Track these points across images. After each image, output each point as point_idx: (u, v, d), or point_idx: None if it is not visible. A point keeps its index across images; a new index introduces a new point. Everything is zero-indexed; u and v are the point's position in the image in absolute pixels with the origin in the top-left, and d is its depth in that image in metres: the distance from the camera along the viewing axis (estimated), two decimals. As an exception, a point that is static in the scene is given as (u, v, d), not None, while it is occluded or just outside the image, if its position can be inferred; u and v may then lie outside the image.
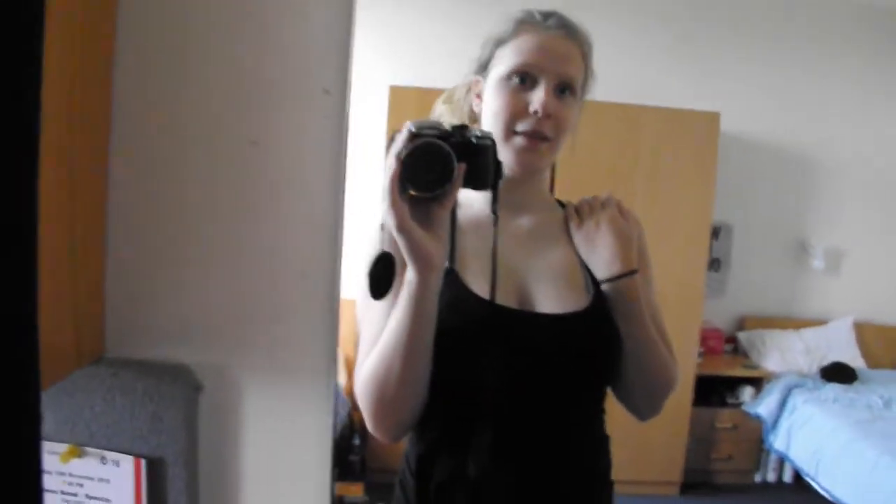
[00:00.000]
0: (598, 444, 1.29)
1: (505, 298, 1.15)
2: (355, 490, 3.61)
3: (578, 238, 1.25)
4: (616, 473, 3.94)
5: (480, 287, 1.14)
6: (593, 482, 1.27)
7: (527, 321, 1.16)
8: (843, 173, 4.49)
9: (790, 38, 4.38)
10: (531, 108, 1.14)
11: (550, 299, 1.19)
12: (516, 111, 1.15)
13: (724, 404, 4.21)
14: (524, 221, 1.23)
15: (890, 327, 4.55)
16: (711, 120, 3.78)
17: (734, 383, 4.25)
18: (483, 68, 1.22)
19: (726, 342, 4.47)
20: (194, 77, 0.93)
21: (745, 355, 4.40)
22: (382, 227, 1.02)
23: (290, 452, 1.01)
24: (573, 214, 1.28)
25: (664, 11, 4.30)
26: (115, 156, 0.92)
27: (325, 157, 0.97)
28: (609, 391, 1.28)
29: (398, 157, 0.95)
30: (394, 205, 0.95)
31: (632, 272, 1.20)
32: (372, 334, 1.12)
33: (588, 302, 1.19)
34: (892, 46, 4.44)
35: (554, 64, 1.16)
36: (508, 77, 1.16)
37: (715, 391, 4.19)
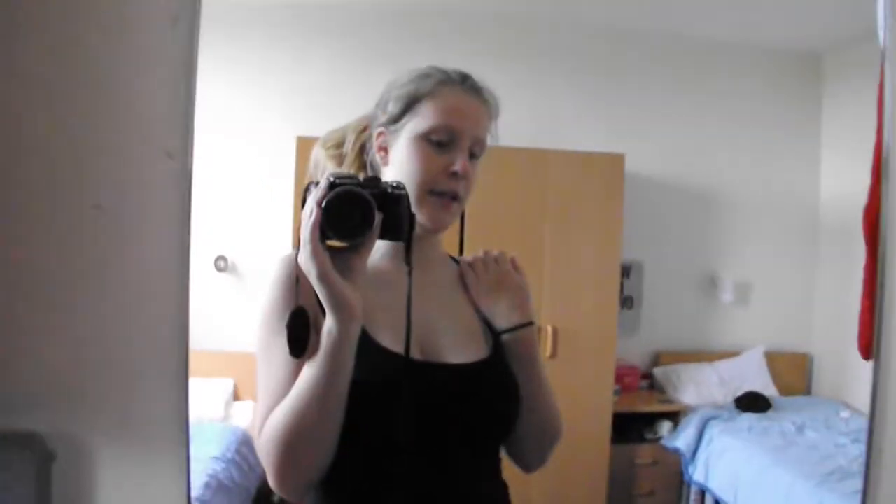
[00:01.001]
0: (504, 490, 1.28)
1: (411, 350, 1.12)
2: (275, 550, 3.54)
3: (478, 291, 1.28)
4: (539, 516, 3.85)
5: (387, 339, 1.14)
6: None
7: (436, 371, 1.17)
8: (746, 209, 4.64)
9: (691, 81, 4.55)
10: (452, 169, 1.16)
11: (454, 350, 1.20)
12: (436, 171, 1.16)
13: (642, 440, 4.26)
14: (423, 276, 1.19)
15: (799, 354, 4.68)
16: (616, 161, 3.87)
17: (652, 419, 4.31)
18: (394, 122, 1.22)
19: (642, 378, 4.54)
20: (34, 139, 0.92)
21: (662, 390, 4.47)
22: (298, 279, 1.02)
23: None
24: (468, 270, 1.31)
25: (567, 56, 4.42)
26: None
27: (171, 219, 0.95)
28: None
29: (318, 204, 0.96)
30: (315, 253, 0.96)
31: (530, 323, 1.24)
32: (274, 387, 1.09)
33: (488, 352, 1.22)
34: (787, 86, 4.64)
35: (471, 126, 1.18)
36: (427, 136, 1.17)
37: (633, 427, 4.24)
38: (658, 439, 4.24)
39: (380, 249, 1.20)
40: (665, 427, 4.26)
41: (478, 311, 1.28)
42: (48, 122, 0.92)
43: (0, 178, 0.92)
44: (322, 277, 0.97)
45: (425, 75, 1.22)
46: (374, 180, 1.05)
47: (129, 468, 0.96)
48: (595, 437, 3.95)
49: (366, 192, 0.99)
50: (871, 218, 1.20)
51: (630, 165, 3.95)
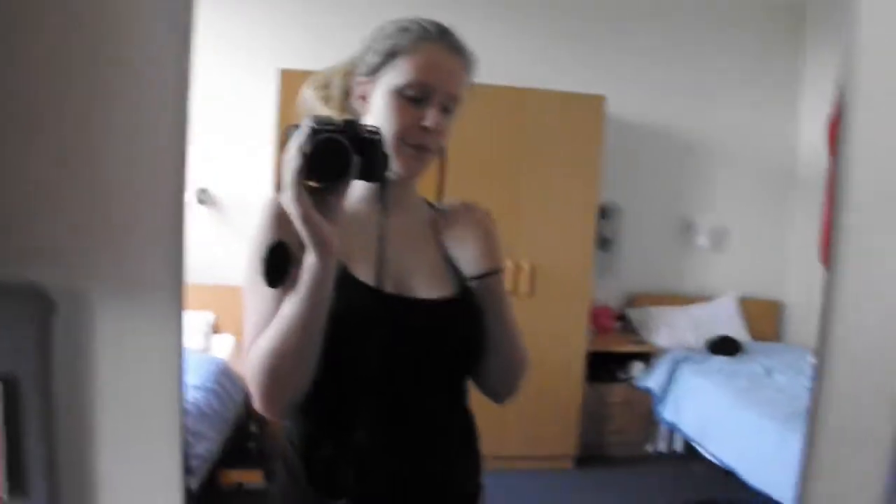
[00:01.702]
0: (470, 420, 1.38)
1: (388, 286, 1.23)
2: (254, 477, 3.61)
3: (449, 237, 1.34)
4: (511, 449, 4.06)
5: (363, 274, 1.22)
6: (468, 455, 1.38)
7: (408, 305, 1.25)
8: (725, 157, 4.68)
9: (674, 24, 4.56)
10: (423, 124, 1.21)
11: (424, 287, 1.28)
12: (409, 125, 1.22)
13: (615, 380, 4.35)
14: (398, 218, 1.27)
15: (771, 301, 4.77)
16: (596, 103, 3.89)
17: (625, 359, 4.39)
18: (373, 73, 1.27)
19: (617, 320, 4.61)
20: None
21: (635, 332, 4.55)
22: (277, 216, 1.10)
23: (141, 368, 1.03)
24: (441, 217, 1.37)
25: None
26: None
27: (170, 69, 0.99)
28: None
29: (301, 151, 1.03)
30: (298, 197, 1.03)
31: (497, 271, 1.29)
32: (260, 317, 1.17)
33: (455, 291, 1.29)
34: (771, 34, 4.66)
35: (446, 82, 1.23)
36: (402, 90, 1.22)
37: (606, 367, 4.32)
38: (630, 379, 4.33)
39: (358, 192, 1.27)
40: (637, 368, 4.35)
41: (447, 254, 1.34)
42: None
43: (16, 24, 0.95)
44: (304, 218, 1.04)
45: (405, 29, 1.26)
46: (352, 124, 1.12)
47: (127, 320, 1.01)
48: (569, 375, 4.03)
49: (343, 140, 1.06)
50: (834, 131, 1.24)
51: (613, 109, 3.98)
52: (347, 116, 1.21)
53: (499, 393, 1.38)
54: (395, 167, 1.21)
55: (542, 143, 3.85)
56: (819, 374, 1.13)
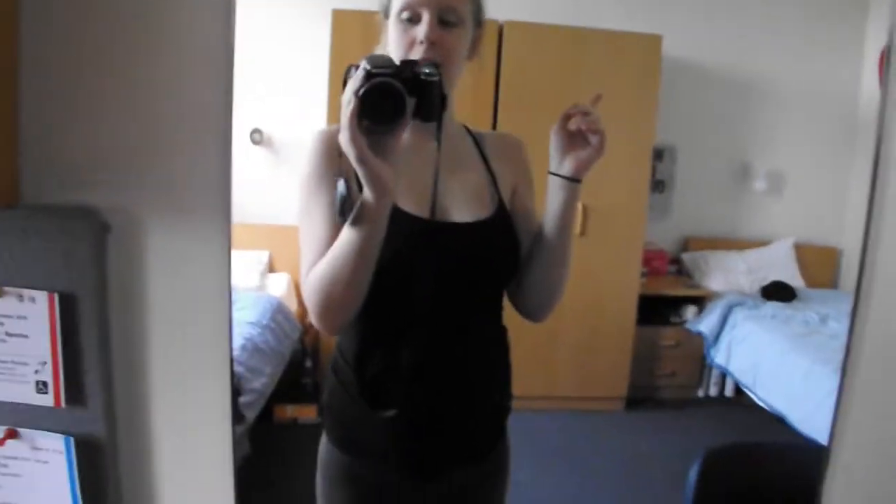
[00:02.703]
0: (503, 333, 1.46)
1: (426, 212, 1.30)
2: (308, 412, 3.70)
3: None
4: (563, 390, 4.10)
5: (406, 202, 1.29)
6: (504, 368, 1.48)
7: (449, 230, 1.32)
8: (784, 99, 4.57)
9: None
10: (418, 39, 1.26)
11: (461, 211, 1.35)
12: (407, 44, 1.28)
13: (667, 323, 4.34)
14: (435, 144, 1.32)
15: (828, 248, 4.69)
16: (653, 42, 3.82)
17: (678, 303, 4.37)
18: (386, 12, 1.34)
19: (670, 263, 4.58)
20: None
21: (689, 276, 4.53)
22: (340, 154, 1.15)
23: (191, 283, 1.09)
24: (483, 140, 1.46)
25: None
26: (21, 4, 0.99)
27: (216, 12, 1.02)
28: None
29: (356, 94, 1.05)
30: (353, 139, 1.06)
31: (576, 180, 1.31)
32: (315, 242, 1.26)
33: (491, 212, 1.36)
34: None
35: None
36: (398, 16, 1.28)
37: (658, 310, 4.31)
38: (682, 323, 4.32)
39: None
40: (690, 311, 4.33)
41: (486, 176, 1.38)
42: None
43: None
44: (360, 158, 1.07)
45: None
46: (409, 65, 1.14)
47: (176, 237, 1.06)
48: (621, 318, 4.03)
49: (396, 82, 1.08)
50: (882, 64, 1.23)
51: (670, 49, 3.90)
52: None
53: (540, 309, 1.43)
54: None
55: (599, 83, 3.78)
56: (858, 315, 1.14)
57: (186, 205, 1.06)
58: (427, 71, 1.15)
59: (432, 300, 1.30)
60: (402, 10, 1.29)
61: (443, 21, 1.29)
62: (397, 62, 1.18)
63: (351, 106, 1.05)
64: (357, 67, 1.09)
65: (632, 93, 3.82)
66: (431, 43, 1.27)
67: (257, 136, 4.13)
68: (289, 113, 4.13)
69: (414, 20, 1.29)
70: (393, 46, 1.31)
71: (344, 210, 1.17)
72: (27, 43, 1.00)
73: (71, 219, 1.01)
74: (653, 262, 4.38)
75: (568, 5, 3.94)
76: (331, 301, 1.22)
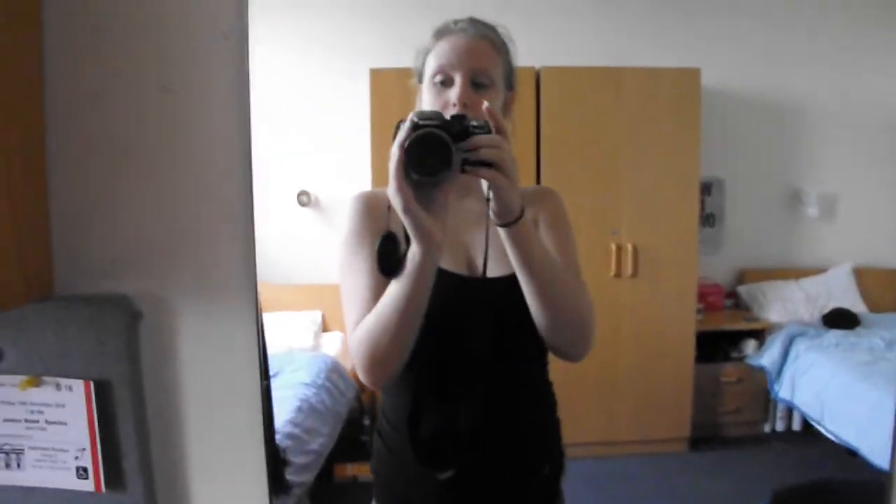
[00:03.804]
0: (551, 390, 1.50)
1: (461, 268, 1.37)
2: (368, 470, 3.68)
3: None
4: (624, 434, 4.03)
5: (446, 262, 1.32)
6: (554, 423, 1.49)
7: (481, 285, 1.34)
8: (829, 119, 4.48)
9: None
10: (451, 102, 1.28)
11: (493, 266, 1.34)
12: (441, 107, 1.30)
13: (727, 359, 4.25)
14: (469, 202, 1.41)
15: (890, 270, 4.55)
16: (691, 76, 3.80)
17: (737, 337, 4.29)
18: (420, 77, 1.37)
19: (727, 297, 4.51)
20: (112, 32, 1.02)
21: (747, 308, 4.44)
22: (364, 207, 1.17)
23: (221, 365, 1.13)
24: None
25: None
26: (48, 105, 1.05)
27: (230, 91, 1.06)
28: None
29: (401, 145, 1.08)
30: (399, 189, 1.08)
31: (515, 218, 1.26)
32: (358, 299, 1.30)
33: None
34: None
35: (467, 62, 1.33)
36: (432, 79, 1.30)
37: (718, 346, 4.24)
38: (743, 358, 4.23)
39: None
40: (750, 345, 4.25)
41: None
42: (118, 15, 1.04)
43: (87, 72, 1.04)
44: (406, 210, 1.10)
45: (434, 30, 1.36)
46: (459, 119, 1.15)
47: (206, 321, 1.10)
48: (679, 356, 3.97)
49: (443, 134, 1.09)
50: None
51: (709, 80, 3.87)
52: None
53: (564, 350, 1.40)
54: None
55: (640, 121, 3.79)
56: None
57: (213, 289, 1.11)
58: (475, 124, 1.15)
59: (474, 356, 1.31)
60: (435, 73, 1.34)
61: (475, 84, 1.32)
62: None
63: (396, 156, 1.07)
64: (406, 122, 1.11)
65: (673, 129, 3.80)
66: (464, 105, 1.30)
67: (304, 198, 4.18)
68: (334, 173, 4.18)
69: (447, 83, 1.33)
70: (427, 109, 1.34)
71: (386, 265, 1.18)
72: (55, 139, 1.05)
73: (103, 308, 1.05)
74: (708, 298, 4.32)
75: (603, 46, 3.94)
76: (377, 355, 1.23)
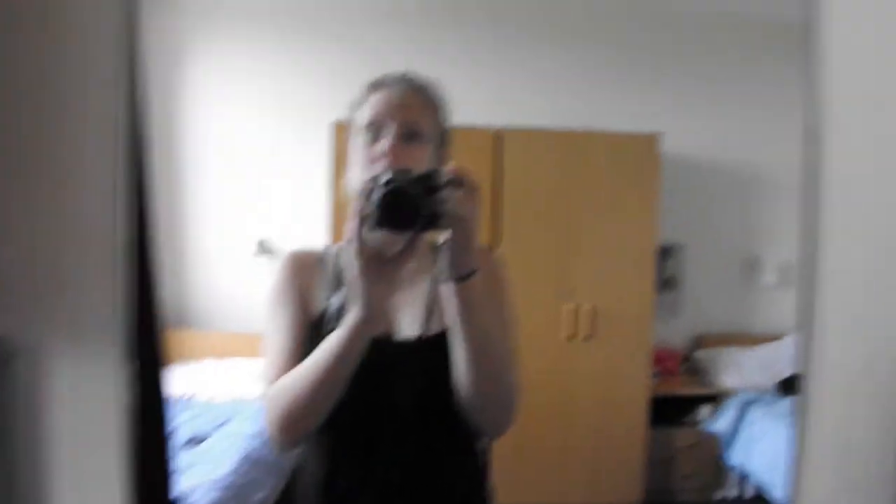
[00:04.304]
0: (477, 460, 1.45)
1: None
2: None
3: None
4: (576, 498, 3.99)
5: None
6: (476, 492, 1.46)
7: (391, 346, 1.32)
8: (787, 188, 4.54)
9: (725, 57, 4.48)
10: (380, 154, 1.27)
11: (410, 327, 1.34)
12: (370, 159, 1.29)
13: (682, 424, 4.24)
14: (404, 261, 1.38)
15: (845, 339, 4.59)
16: (651, 141, 3.84)
17: (692, 402, 4.28)
18: (351, 130, 1.39)
19: (683, 362, 4.51)
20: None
21: (703, 374, 4.44)
22: (293, 266, 1.17)
23: (88, 410, 1.12)
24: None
25: (598, 36, 4.40)
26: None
27: (104, 142, 1.06)
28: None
29: (374, 202, 1.09)
30: (360, 252, 1.09)
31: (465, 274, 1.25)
32: (278, 360, 1.29)
33: (441, 327, 1.30)
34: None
35: (397, 114, 1.32)
36: (363, 131, 1.30)
37: (673, 411, 4.22)
38: (698, 423, 4.22)
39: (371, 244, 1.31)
40: (705, 411, 4.24)
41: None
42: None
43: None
44: (360, 275, 1.08)
45: (366, 84, 1.37)
46: (429, 175, 1.14)
47: (76, 367, 1.12)
48: (632, 420, 3.95)
49: (414, 190, 1.10)
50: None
51: (670, 147, 3.92)
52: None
53: (481, 421, 1.34)
54: None
55: (599, 185, 3.82)
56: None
57: (83, 333, 1.12)
58: (445, 180, 1.14)
59: (396, 419, 1.29)
60: (366, 125, 1.32)
61: (406, 136, 1.31)
62: (359, 180, 1.19)
63: (359, 217, 1.06)
64: (375, 179, 1.11)
65: (633, 193, 3.83)
66: (394, 157, 1.29)
67: (263, 247, 4.17)
68: (293, 223, 4.19)
69: (378, 135, 1.32)
70: (357, 161, 1.33)
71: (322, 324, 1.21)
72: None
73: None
74: (665, 362, 4.32)
75: (566, 109, 3.99)
76: (291, 417, 1.21)
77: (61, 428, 1.10)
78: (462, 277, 1.18)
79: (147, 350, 1.14)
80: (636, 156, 3.86)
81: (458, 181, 1.13)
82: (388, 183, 1.08)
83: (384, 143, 1.29)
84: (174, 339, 4.14)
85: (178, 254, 4.35)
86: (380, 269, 1.13)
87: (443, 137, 1.41)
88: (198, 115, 4.35)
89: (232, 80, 4.30)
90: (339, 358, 1.17)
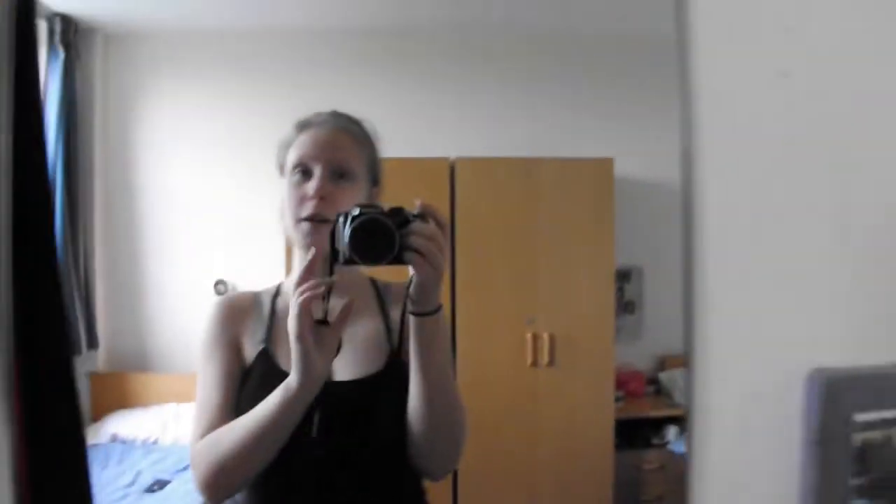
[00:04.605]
0: (423, 498, 1.50)
1: None
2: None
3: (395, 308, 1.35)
4: (542, 522, 3.82)
5: (288, 364, 1.28)
6: None
7: (326, 388, 1.31)
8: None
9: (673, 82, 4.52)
10: (309, 194, 1.28)
11: (345, 368, 1.35)
12: (299, 199, 1.30)
13: (649, 445, 4.24)
14: (333, 301, 1.35)
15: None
16: (605, 166, 3.88)
17: (659, 424, 4.28)
18: (281, 170, 1.38)
19: (648, 383, 4.51)
20: None
21: (668, 395, 4.45)
22: (225, 313, 1.16)
23: None
24: (387, 292, 1.40)
25: (550, 63, 4.43)
26: None
27: None
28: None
29: (345, 233, 1.13)
30: (301, 316, 1.13)
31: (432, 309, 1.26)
32: (207, 412, 1.25)
33: (381, 366, 1.29)
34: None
35: (326, 153, 1.33)
36: (292, 172, 1.31)
37: (640, 433, 4.22)
38: (665, 444, 4.22)
39: (292, 287, 1.33)
40: (672, 432, 4.24)
41: (386, 327, 1.37)
42: None
43: None
44: (300, 338, 1.11)
45: (293, 126, 1.37)
46: (398, 210, 1.16)
47: None
48: (599, 445, 3.95)
49: (388, 221, 1.16)
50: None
51: (623, 170, 3.95)
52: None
53: (428, 461, 1.34)
54: (299, 244, 1.28)
55: (554, 211, 3.84)
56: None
57: None
58: (413, 214, 1.16)
59: (320, 462, 1.30)
60: (294, 165, 1.33)
61: (335, 176, 1.32)
62: (288, 219, 1.20)
63: (313, 254, 1.06)
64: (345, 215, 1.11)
65: (588, 218, 3.86)
66: (321, 198, 1.29)
67: (221, 287, 4.13)
68: (252, 264, 4.16)
69: (307, 175, 1.32)
70: (286, 202, 1.34)
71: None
72: None
73: None
74: (629, 385, 4.32)
75: (516, 137, 4.01)
76: (223, 472, 1.24)
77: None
78: (428, 312, 1.19)
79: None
80: (591, 181, 3.89)
81: (427, 216, 1.14)
82: (359, 216, 1.10)
83: (312, 184, 1.30)
84: (135, 383, 4.11)
85: (137, 297, 4.31)
86: (326, 344, 1.12)
87: (375, 174, 1.42)
88: (153, 160, 4.34)
89: (186, 126, 4.30)
90: (276, 422, 1.16)
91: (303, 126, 1.38)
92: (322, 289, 1.11)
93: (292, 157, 1.35)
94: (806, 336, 0.99)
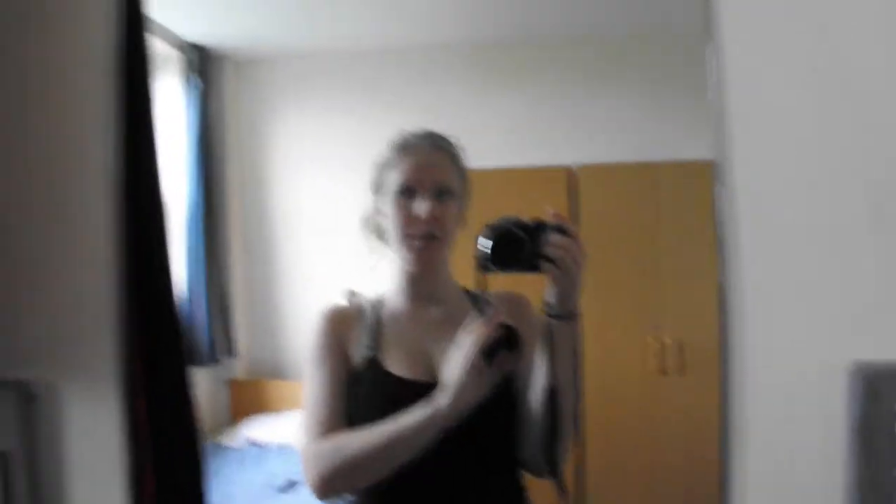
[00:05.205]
0: (525, 497, 1.49)
1: (419, 375, 1.39)
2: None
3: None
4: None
5: (399, 369, 1.39)
6: None
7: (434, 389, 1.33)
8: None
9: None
10: (417, 214, 1.34)
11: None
12: (407, 219, 1.36)
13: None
14: (434, 310, 1.48)
15: None
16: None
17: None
18: (378, 189, 1.44)
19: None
20: None
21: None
22: (332, 320, 1.44)
23: (92, 445, 1.19)
24: (484, 304, 1.46)
25: (668, 65, 4.35)
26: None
27: (100, 202, 1.16)
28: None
29: (485, 241, 1.20)
30: (482, 350, 1.19)
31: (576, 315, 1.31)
32: (320, 414, 1.36)
33: None
34: None
35: (431, 175, 1.40)
36: (398, 193, 1.37)
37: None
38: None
39: (394, 296, 1.51)
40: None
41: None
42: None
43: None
44: (473, 366, 1.20)
45: (392, 145, 1.44)
46: (536, 222, 1.23)
47: (84, 407, 1.18)
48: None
49: (521, 232, 1.19)
50: None
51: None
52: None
53: (543, 461, 1.37)
54: (410, 261, 1.35)
55: (677, 215, 3.77)
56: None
57: (90, 376, 1.18)
58: (550, 226, 1.22)
59: (433, 462, 1.29)
60: (400, 189, 1.39)
61: (438, 194, 1.39)
62: (397, 237, 1.29)
63: (482, 334, 1.20)
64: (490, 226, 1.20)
65: (713, 220, 3.77)
66: (432, 217, 1.37)
67: (352, 297, 4.26)
68: (378, 274, 4.27)
69: (410, 194, 1.39)
70: (393, 223, 1.41)
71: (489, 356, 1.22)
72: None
73: (2, 390, 1.15)
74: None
75: (639, 141, 3.96)
76: (346, 473, 1.28)
77: (73, 462, 1.19)
78: (567, 318, 1.25)
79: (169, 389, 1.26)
80: (708, 185, 3.80)
81: (561, 228, 1.20)
82: (499, 227, 1.17)
83: (422, 206, 1.37)
84: (271, 389, 4.30)
85: (273, 308, 4.50)
86: (484, 377, 1.19)
87: (467, 187, 1.50)
88: (283, 179, 4.52)
89: (311, 145, 4.47)
90: (416, 436, 1.22)
91: (403, 148, 1.45)
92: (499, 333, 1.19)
93: (397, 178, 1.41)
94: (848, 329, 0.98)
